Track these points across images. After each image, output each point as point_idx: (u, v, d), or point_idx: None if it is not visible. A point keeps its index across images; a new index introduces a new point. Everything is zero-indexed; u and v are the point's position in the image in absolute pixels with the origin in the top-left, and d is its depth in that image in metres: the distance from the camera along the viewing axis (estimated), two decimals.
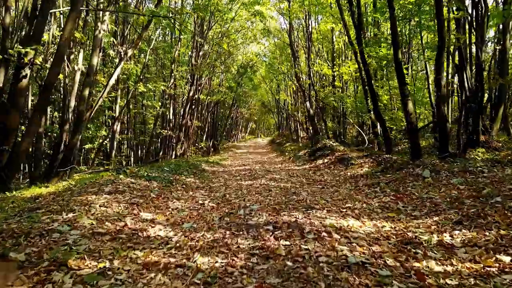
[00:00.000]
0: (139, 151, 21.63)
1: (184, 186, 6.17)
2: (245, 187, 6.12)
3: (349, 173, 7.50)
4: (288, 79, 24.78)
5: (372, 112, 10.41)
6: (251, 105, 44.59)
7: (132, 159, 22.50)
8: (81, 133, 10.51)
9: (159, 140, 23.24)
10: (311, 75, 13.92)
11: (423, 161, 6.33)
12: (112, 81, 11.56)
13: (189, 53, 19.37)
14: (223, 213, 3.90)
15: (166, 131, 18.76)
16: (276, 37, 25.01)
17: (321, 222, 3.33)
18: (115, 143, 14.98)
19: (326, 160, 9.86)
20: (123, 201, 4.12)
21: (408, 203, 4.31)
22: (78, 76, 10.15)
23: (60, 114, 12.02)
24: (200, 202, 4.72)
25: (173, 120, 21.39)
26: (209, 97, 24.12)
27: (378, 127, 10.69)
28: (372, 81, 9.02)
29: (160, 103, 17.57)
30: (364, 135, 11.08)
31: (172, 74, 17.14)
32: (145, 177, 5.98)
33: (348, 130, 19.33)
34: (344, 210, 4.18)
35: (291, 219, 3.38)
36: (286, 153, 17.88)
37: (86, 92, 9.52)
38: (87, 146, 15.24)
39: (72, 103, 9.93)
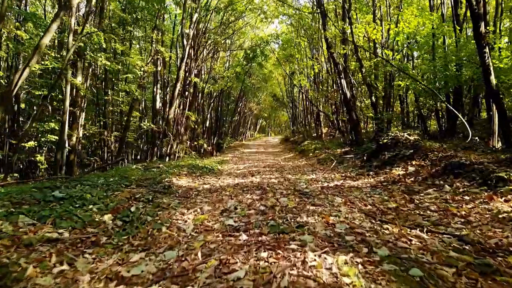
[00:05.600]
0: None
1: None
2: None
3: None
4: (307, 59, 19.81)
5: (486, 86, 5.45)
6: (261, 99, 39.81)
7: (127, 159, 18.13)
8: None
9: (146, 137, 18.80)
10: (353, 33, 8.98)
11: None
12: (46, 41, 7.17)
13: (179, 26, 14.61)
14: None
15: (148, 124, 14.18)
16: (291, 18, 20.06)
17: None
18: (66, 139, 10.38)
19: (412, 169, 4.95)
20: None
21: None
22: None
23: None
24: None
25: (162, 110, 16.78)
26: (209, 85, 19.41)
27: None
28: None
29: (135, 87, 12.77)
30: (466, 125, 6.11)
31: (153, 46, 12.49)
32: None
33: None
34: None
35: None
36: (310, 154, 12.98)
37: None
38: (28, 145, 10.73)
39: None
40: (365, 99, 15.46)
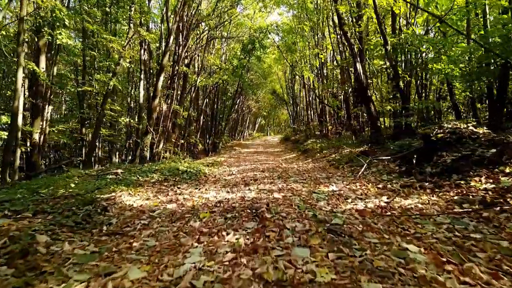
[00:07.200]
0: (115, 151, 15.07)
1: None
2: None
3: None
4: (311, 49, 17.80)
5: None
6: (260, 96, 37.74)
7: (118, 160, 16.09)
8: None
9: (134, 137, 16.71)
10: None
11: None
12: None
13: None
14: None
15: (127, 119, 12.17)
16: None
17: None
18: (19, 136, 8.39)
19: (507, 180, 3.01)
20: None
21: None
22: None
23: None
24: None
25: (149, 105, 14.77)
26: (202, 78, 17.39)
27: None
28: None
29: (110, 76, 10.69)
30: None
31: (131, 26, 10.51)
32: None
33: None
34: None
35: None
36: (317, 155, 10.99)
37: None
38: None
39: None
40: (376, 92, 13.48)
